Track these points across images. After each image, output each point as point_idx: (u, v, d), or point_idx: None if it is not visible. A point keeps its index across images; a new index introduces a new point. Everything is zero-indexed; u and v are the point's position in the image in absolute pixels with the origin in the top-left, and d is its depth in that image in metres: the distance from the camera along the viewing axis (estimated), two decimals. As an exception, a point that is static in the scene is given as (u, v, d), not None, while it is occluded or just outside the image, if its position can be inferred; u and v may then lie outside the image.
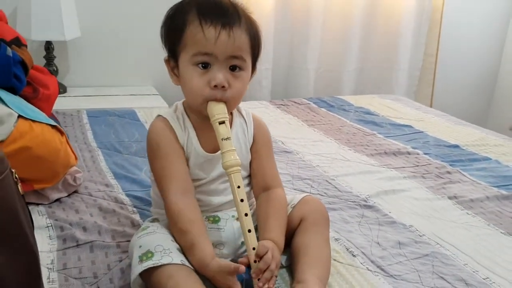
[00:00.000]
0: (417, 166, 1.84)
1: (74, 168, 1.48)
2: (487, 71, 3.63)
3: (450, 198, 1.58)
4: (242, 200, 1.04)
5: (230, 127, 1.19)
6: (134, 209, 1.40)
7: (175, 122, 1.16)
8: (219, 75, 1.06)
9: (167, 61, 1.15)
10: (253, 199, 1.22)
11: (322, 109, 2.51)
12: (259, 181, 1.20)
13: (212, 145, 1.16)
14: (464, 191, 1.63)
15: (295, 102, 2.59)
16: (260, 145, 1.23)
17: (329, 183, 1.65)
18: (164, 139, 1.15)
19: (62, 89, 2.52)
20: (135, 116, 2.21)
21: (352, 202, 1.52)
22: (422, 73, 3.35)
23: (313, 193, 1.56)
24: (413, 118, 2.41)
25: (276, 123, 2.25)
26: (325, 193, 1.57)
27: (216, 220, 1.15)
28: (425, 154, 1.96)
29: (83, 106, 2.32)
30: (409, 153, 1.96)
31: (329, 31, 3.05)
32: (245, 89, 1.13)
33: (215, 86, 1.06)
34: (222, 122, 1.08)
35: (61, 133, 1.44)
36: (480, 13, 3.45)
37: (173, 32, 1.11)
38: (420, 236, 1.34)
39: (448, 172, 1.79)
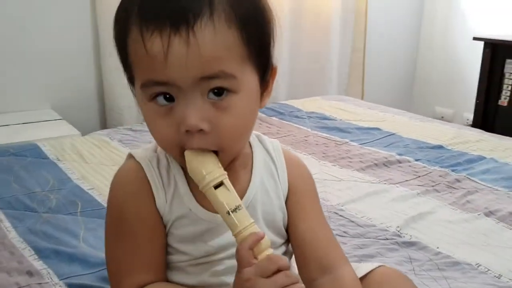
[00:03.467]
0: (419, 177, 1.53)
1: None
2: (407, 61, 3.55)
3: (486, 215, 1.28)
4: None
5: (250, 166, 0.75)
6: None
7: (153, 171, 0.70)
8: (190, 113, 0.60)
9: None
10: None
11: (273, 118, 2.12)
12: (310, 257, 0.74)
13: None
14: (492, 203, 1.35)
15: (235, 113, 2.16)
16: (301, 197, 0.78)
17: (341, 216, 1.26)
18: (133, 205, 0.69)
19: None
20: (40, 152, 1.61)
21: (385, 239, 1.15)
22: (351, 69, 3.13)
23: (330, 235, 1.15)
24: (374, 119, 2.13)
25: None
26: (345, 232, 1.18)
27: None
28: (417, 161, 1.66)
29: (-41, 146, 1.65)
30: (400, 162, 1.65)
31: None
32: (249, 121, 0.67)
33: (187, 131, 0.61)
34: (220, 185, 0.63)
35: None
36: (398, 8, 3.34)
37: (116, 46, 0.66)
38: (498, 278, 1.00)
39: (457, 180, 1.50)
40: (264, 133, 1.91)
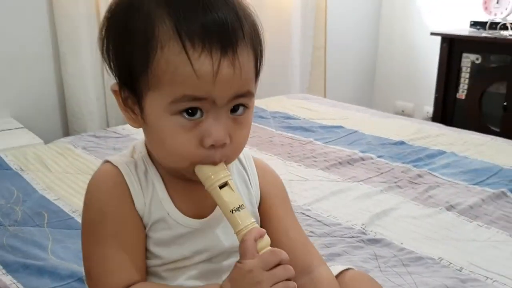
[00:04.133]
0: (382, 173, 1.58)
1: None
2: (368, 57, 3.63)
3: (448, 209, 1.33)
4: None
5: None
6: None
7: (130, 174, 0.71)
8: (219, 128, 0.63)
9: (116, 91, 0.68)
10: None
11: (236, 119, 2.12)
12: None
13: (196, 208, 0.73)
14: (453, 196, 1.41)
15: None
16: (273, 202, 0.80)
17: (307, 216, 1.29)
18: (114, 206, 0.70)
19: None
20: (2, 163, 1.58)
21: (351, 237, 1.18)
22: (312, 67, 3.17)
23: (298, 236, 1.18)
24: (336, 117, 2.18)
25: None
26: (312, 232, 1.21)
27: None
28: (379, 157, 1.71)
29: None
30: (363, 159, 1.69)
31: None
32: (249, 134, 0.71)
33: (212, 145, 0.64)
34: (224, 185, 0.66)
35: None
36: (356, 5, 3.41)
37: (129, 51, 0.63)
38: (460, 271, 1.05)
39: (419, 176, 1.55)
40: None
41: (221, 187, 0.65)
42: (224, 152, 0.65)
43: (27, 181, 1.46)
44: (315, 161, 1.67)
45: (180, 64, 0.60)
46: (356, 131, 1.99)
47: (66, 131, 2.22)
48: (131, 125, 0.70)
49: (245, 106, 0.66)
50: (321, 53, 3.16)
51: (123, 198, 0.70)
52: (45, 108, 2.17)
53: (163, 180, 0.72)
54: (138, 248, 0.71)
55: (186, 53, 0.59)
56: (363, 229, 1.22)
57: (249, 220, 0.65)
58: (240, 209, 0.65)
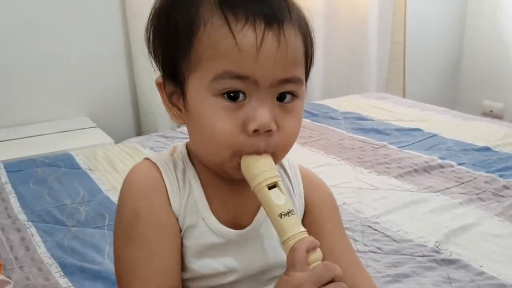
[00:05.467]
0: (462, 183, 1.44)
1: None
2: (452, 52, 3.39)
3: (538, 227, 1.17)
4: None
5: None
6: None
7: (168, 172, 0.66)
8: (263, 111, 0.58)
9: (160, 84, 0.65)
10: None
11: (305, 120, 2.04)
12: None
13: (233, 215, 0.67)
14: (544, 213, 1.24)
15: (269, 115, 2.11)
16: (319, 216, 0.73)
17: (375, 229, 1.19)
18: (149, 206, 0.64)
19: (-35, 136, 1.87)
20: (73, 162, 1.62)
21: (422, 256, 1.08)
22: (390, 64, 3.01)
23: (362, 251, 1.09)
24: (415, 119, 2.03)
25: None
26: (378, 248, 1.11)
27: None
28: (460, 165, 1.56)
29: (-2, 157, 1.69)
30: (441, 167, 1.55)
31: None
32: (300, 127, 0.65)
33: (256, 130, 0.58)
34: (273, 186, 0.59)
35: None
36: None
37: (172, 37, 0.61)
38: (550, 302, 0.91)
39: (506, 187, 1.40)
40: (297, 137, 1.86)
41: (269, 188, 0.59)
42: (270, 142, 0.59)
43: (94, 181, 1.48)
44: (388, 168, 1.56)
45: (222, 37, 0.57)
46: (435, 135, 1.84)
47: (139, 131, 2.26)
48: (175, 122, 0.66)
49: (294, 95, 0.61)
50: (399, 48, 2.98)
51: (159, 197, 0.65)
52: (119, 108, 2.22)
53: (201, 181, 0.67)
54: (173, 253, 0.65)
55: (229, 25, 0.57)
56: (437, 247, 1.10)
57: (299, 228, 0.57)
58: (290, 214, 0.58)
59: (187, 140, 0.70)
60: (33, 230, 1.21)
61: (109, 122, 2.14)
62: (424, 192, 1.39)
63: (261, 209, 0.68)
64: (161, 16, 0.63)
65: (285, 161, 0.74)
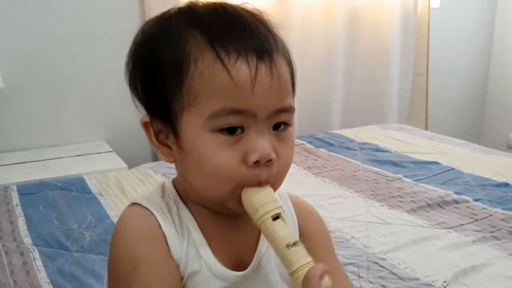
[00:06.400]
0: (477, 220, 1.38)
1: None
2: (477, 83, 3.33)
3: (555, 270, 1.11)
4: None
5: None
6: None
7: (165, 218, 0.63)
8: (263, 143, 0.58)
9: (147, 123, 0.63)
10: None
11: (321, 149, 2.03)
12: None
13: (234, 255, 0.65)
14: None
15: (285, 144, 2.09)
16: (313, 245, 0.68)
17: (381, 266, 1.15)
18: (148, 253, 0.61)
19: (-16, 157, 1.91)
20: (85, 186, 1.64)
21: (428, 297, 1.03)
22: (412, 95, 2.97)
23: (366, 289, 1.05)
24: (433, 151, 1.98)
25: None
26: (383, 286, 1.07)
27: None
28: (476, 201, 1.51)
29: (12, 179, 1.72)
30: (456, 202, 1.50)
31: (309, 56, 2.60)
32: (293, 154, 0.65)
33: (256, 162, 0.57)
34: (277, 217, 0.58)
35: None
36: (464, 26, 3.15)
37: (160, 74, 0.60)
38: None
39: (523, 226, 1.33)
40: (310, 167, 1.84)
41: (273, 219, 0.57)
42: (271, 172, 0.59)
43: (103, 206, 1.49)
44: (400, 202, 1.52)
45: (216, 74, 0.56)
46: (453, 169, 1.79)
47: (154, 157, 2.27)
48: (165, 160, 0.64)
49: (287, 124, 0.61)
50: (422, 79, 2.95)
51: (159, 244, 0.62)
52: (135, 134, 2.22)
53: (197, 223, 0.64)
54: None
55: (221, 60, 0.56)
56: (445, 287, 1.06)
57: (307, 258, 0.56)
58: (296, 245, 0.56)
59: (174, 176, 0.67)
60: (36, 254, 1.21)
61: (125, 148, 2.15)
62: (437, 228, 1.34)
63: (260, 243, 0.67)
64: (144, 52, 0.62)
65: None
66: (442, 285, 1.06)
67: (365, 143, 2.09)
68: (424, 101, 2.99)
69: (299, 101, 2.62)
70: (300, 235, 0.70)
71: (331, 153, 1.99)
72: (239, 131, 0.58)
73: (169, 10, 0.63)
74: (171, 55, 0.59)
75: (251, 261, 0.65)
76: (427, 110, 3.01)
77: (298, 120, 2.64)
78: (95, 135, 2.17)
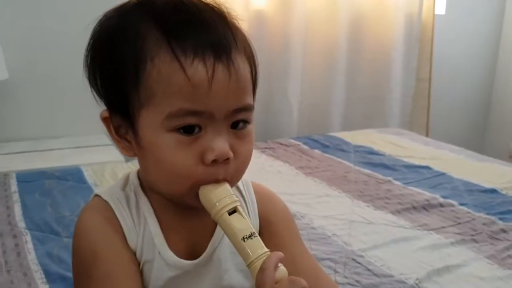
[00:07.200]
0: (459, 224, 1.41)
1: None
2: (481, 91, 3.32)
3: (527, 273, 1.13)
4: None
5: None
6: None
7: (121, 209, 0.66)
8: (220, 142, 0.60)
9: (106, 118, 0.65)
10: None
11: (316, 150, 2.06)
12: None
13: (189, 244, 0.69)
14: (539, 260, 1.20)
15: (281, 144, 2.14)
16: (276, 229, 0.74)
17: (358, 262, 1.18)
18: (106, 245, 0.65)
19: (-13, 145, 1.98)
20: (81, 176, 1.69)
21: (399, 293, 1.06)
22: (414, 100, 2.98)
23: (340, 283, 1.08)
24: (427, 157, 2.00)
25: (263, 173, 1.78)
26: (357, 281, 1.10)
27: None
28: (462, 205, 1.53)
29: (12, 167, 1.78)
30: (442, 205, 1.53)
31: (311, 59, 2.63)
32: (252, 150, 0.66)
33: (214, 160, 0.59)
34: (234, 211, 0.60)
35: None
36: (470, 33, 3.15)
37: (118, 70, 0.61)
38: None
39: (503, 231, 1.36)
40: (302, 167, 1.88)
41: (229, 213, 0.60)
42: (228, 169, 0.60)
43: (96, 196, 1.53)
44: (386, 203, 1.54)
45: (173, 73, 0.57)
46: (443, 174, 1.81)
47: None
48: (125, 155, 0.66)
49: (246, 121, 0.62)
50: (425, 85, 2.96)
51: (115, 235, 0.65)
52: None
53: (156, 214, 0.67)
54: (136, 286, 0.65)
55: (178, 60, 0.57)
56: (417, 284, 1.09)
57: (262, 249, 0.58)
58: (252, 237, 0.58)
59: (136, 168, 0.70)
60: (28, 237, 1.26)
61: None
62: (418, 229, 1.36)
63: (215, 234, 0.70)
64: (101, 47, 0.63)
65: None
66: (414, 283, 1.09)
67: (359, 146, 2.11)
68: (426, 107, 3.00)
69: (300, 104, 2.68)
70: (261, 221, 0.73)
71: (325, 154, 2.02)
72: (196, 130, 0.59)
73: (128, 2, 0.63)
74: (128, 52, 0.59)
75: (205, 250, 0.69)
76: (429, 117, 3.02)
77: (298, 123, 2.68)
78: (95, 128, 2.20)
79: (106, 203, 0.67)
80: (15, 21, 2.04)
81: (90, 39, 0.64)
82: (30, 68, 2.09)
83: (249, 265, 0.58)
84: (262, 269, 0.56)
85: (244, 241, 0.58)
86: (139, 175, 0.69)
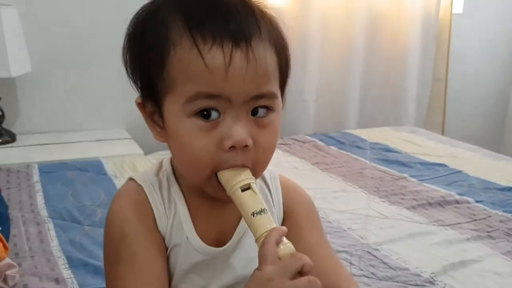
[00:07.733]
0: (475, 220, 1.41)
1: (5, 261, 0.99)
2: (498, 93, 3.30)
3: (543, 270, 1.14)
4: None
5: None
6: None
7: (154, 194, 0.69)
8: (238, 128, 0.60)
9: (140, 104, 0.68)
10: None
11: (332, 147, 2.07)
12: None
13: (216, 232, 0.71)
14: (555, 257, 1.20)
15: (297, 140, 2.15)
16: (297, 219, 0.75)
17: (374, 256, 1.19)
18: (135, 226, 0.67)
19: (10, 138, 2.02)
20: (101, 168, 1.72)
21: (415, 285, 1.07)
22: (430, 100, 2.98)
23: (356, 275, 1.10)
24: (443, 154, 2.00)
25: (279, 168, 1.79)
26: (372, 273, 1.11)
27: None
28: (478, 202, 1.53)
29: (35, 158, 1.82)
30: (458, 202, 1.53)
31: (328, 57, 2.64)
32: (278, 139, 0.67)
33: (232, 147, 0.60)
34: (247, 188, 0.61)
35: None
36: (487, 32, 3.13)
37: (146, 59, 0.64)
38: None
39: (520, 228, 1.36)
40: (318, 163, 1.89)
41: (243, 190, 0.61)
42: (247, 157, 0.61)
43: (116, 186, 1.57)
44: (402, 199, 1.55)
45: (192, 59, 0.58)
46: (459, 171, 1.81)
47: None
48: (157, 139, 0.68)
49: (268, 108, 0.62)
50: (441, 85, 2.95)
51: (146, 218, 0.67)
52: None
53: (186, 200, 0.70)
54: (160, 270, 0.68)
55: (197, 47, 0.58)
56: (432, 278, 1.10)
57: (271, 224, 0.59)
58: (262, 213, 0.60)
59: (170, 155, 0.71)
60: (50, 225, 1.30)
61: (144, 136, 2.22)
62: (434, 225, 1.37)
63: (241, 223, 0.71)
64: (134, 38, 0.65)
65: (266, 173, 0.77)
66: (430, 276, 1.10)
67: (376, 143, 2.12)
68: (442, 107, 2.99)
69: (316, 101, 2.69)
70: (285, 213, 0.75)
71: (341, 151, 2.03)
72: (215, 115, 0.59)
73: None
74: (155, 41, 0.61)
75: (231, 238, 0.70)
76: (444, 117, 3.01)
77: (314, 120, 2.69)
78: (116, 122, 2.26)
79: (139, 187, 0.69)
80: (38, 15, 2.09)
81: (126, 32, 0.67)
82: (52, 63, 2.14)
83: (257, 240, 0.59)
84: (263, 243, 0.57)
85: (253, 216, 0.59)
86: (172, 162, 0.72)
